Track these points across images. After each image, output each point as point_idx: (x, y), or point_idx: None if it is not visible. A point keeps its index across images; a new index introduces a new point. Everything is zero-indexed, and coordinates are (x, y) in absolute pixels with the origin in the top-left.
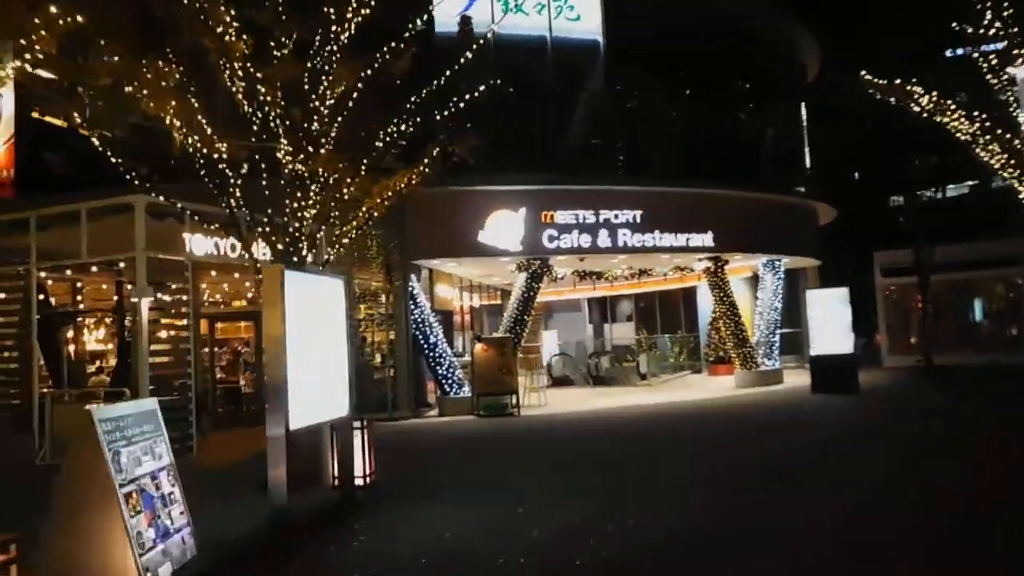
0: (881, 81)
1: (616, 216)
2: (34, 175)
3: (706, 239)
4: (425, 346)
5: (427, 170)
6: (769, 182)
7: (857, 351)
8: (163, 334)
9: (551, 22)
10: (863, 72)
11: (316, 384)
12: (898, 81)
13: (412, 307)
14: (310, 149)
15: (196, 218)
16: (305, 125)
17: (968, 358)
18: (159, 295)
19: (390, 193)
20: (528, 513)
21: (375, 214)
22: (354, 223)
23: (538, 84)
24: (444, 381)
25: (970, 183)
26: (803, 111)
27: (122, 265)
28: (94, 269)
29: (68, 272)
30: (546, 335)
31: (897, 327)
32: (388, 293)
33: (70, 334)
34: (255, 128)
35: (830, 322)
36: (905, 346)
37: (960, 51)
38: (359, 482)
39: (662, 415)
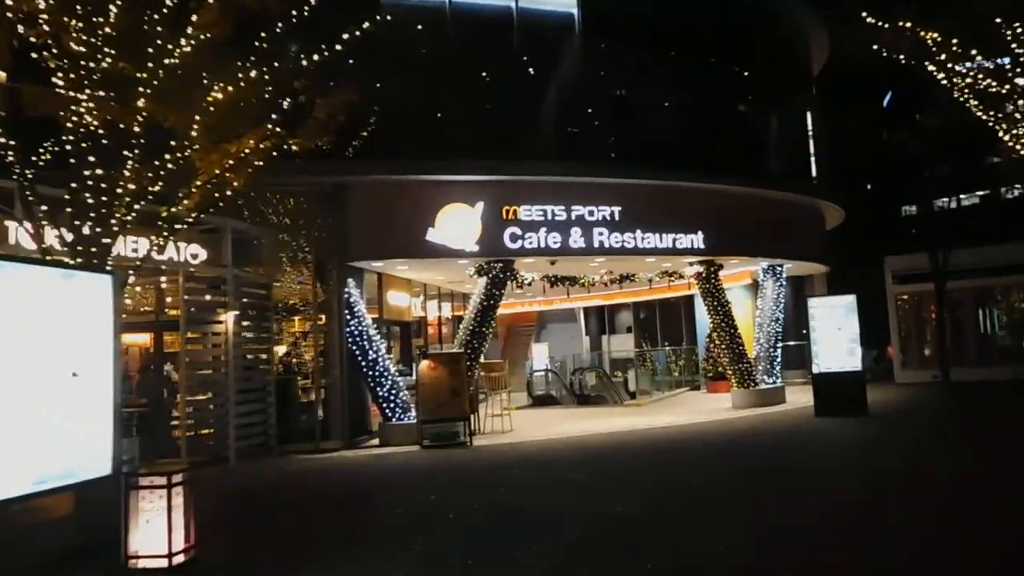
0: (885, 26)
1: (591, 212)
2: None
3: (696, 240)
4: (363, 363)
5: (278, 130)
6: (769, 177)
7: (866, 366)
8: None
9: None
10: (864, 14)
11: (38, 432)
12: (908, 24)
13: (348, 317)
14: (100, 95)
15: None
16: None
17: (990, 373)
18: None
19: (232, 161)
20: None
21: (227, 192)
22: (186, 202)
23: (501, 62)
24: (385, 405)
25: (980, 193)
26: (809, 100)
27: None
28: None
29: None
30: (536, 348)
31: (911, 339)
32: (318, 300)
33: None
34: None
35: (835, 334)
36: (920, 360)
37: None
38: (159, 563)
39: (630, 446)
